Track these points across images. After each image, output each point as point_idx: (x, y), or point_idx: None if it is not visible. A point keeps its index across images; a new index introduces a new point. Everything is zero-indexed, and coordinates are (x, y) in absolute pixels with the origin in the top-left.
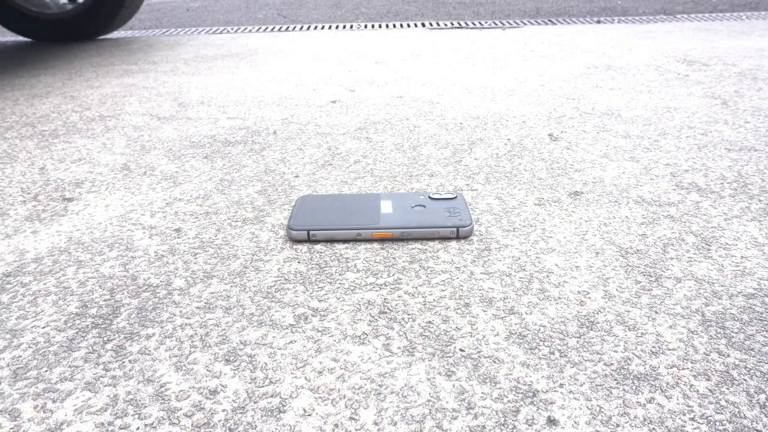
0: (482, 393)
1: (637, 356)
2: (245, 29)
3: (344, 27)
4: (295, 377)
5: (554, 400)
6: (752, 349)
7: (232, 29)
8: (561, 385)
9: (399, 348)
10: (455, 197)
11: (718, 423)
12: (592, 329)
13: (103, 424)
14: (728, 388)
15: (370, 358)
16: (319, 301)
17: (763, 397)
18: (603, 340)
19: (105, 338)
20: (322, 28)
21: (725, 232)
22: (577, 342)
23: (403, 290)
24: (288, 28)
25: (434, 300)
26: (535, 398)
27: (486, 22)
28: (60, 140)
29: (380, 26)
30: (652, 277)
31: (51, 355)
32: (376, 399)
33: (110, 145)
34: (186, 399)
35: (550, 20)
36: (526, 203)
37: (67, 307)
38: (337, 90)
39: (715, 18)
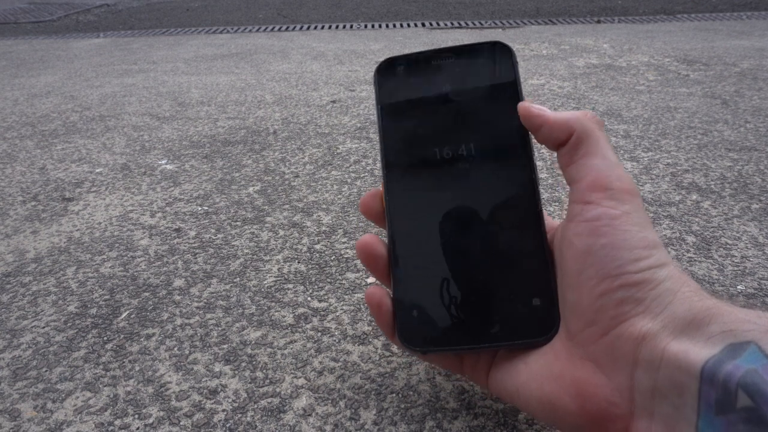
0: (482, 393)
1: None
2: (245, 29)
3: (344, 27)
4: (296, 377)
5: None
6: None
7: (232, 29)
8: None
9: (399, 348)
10: None
11: None
12: None
13: (103, 424)
14: None
15: (370, 358)
16: (319, 301)
17: None
18: None
19: (105, 338)
20: (322, 28)
21: (725, 232)
22: None
23: None
24: (288, 28)
25: None
26: None
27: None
28: (60, 140)
29: (380, 26)
30: None
31: (51, 355)
32: (377, 399)
33: (110, 145)
34: (186, 399)
35: (550, 20)
36: None
37: (67, 307)
38: (337, 90)
39: (715, 18)
